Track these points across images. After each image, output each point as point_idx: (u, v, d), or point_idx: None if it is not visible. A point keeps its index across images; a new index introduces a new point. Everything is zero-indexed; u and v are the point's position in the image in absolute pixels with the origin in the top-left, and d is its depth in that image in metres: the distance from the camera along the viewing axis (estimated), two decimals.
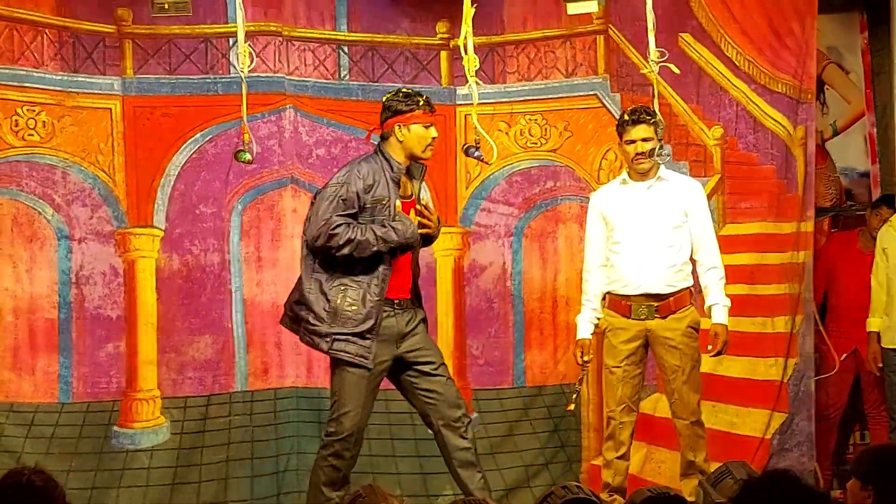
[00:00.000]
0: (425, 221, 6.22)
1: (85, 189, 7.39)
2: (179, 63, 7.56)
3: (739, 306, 7.58)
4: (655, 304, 6.53)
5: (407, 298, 6.25)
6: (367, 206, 6.08)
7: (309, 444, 7.44)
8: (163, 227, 7.47)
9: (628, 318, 6.57)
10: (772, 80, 7.87)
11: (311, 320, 6.12)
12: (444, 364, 6.32)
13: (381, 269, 6.09)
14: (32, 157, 7.33)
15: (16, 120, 7.28)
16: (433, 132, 6.18)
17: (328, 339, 6.09)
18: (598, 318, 6.70)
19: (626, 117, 6.57)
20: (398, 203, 6.12)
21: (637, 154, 6.54)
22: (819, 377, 8.06)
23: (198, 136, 7.54)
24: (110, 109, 7.45)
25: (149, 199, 7.46)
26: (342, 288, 6.07)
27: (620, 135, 6.60)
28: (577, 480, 7.07)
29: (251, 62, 6.58)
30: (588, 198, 7.57)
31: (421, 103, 6.15)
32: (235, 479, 7.42)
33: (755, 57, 7.87)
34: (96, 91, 7.44)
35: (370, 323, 6.06)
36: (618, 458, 6.62)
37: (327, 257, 6.08)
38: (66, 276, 7.34)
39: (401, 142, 6.17)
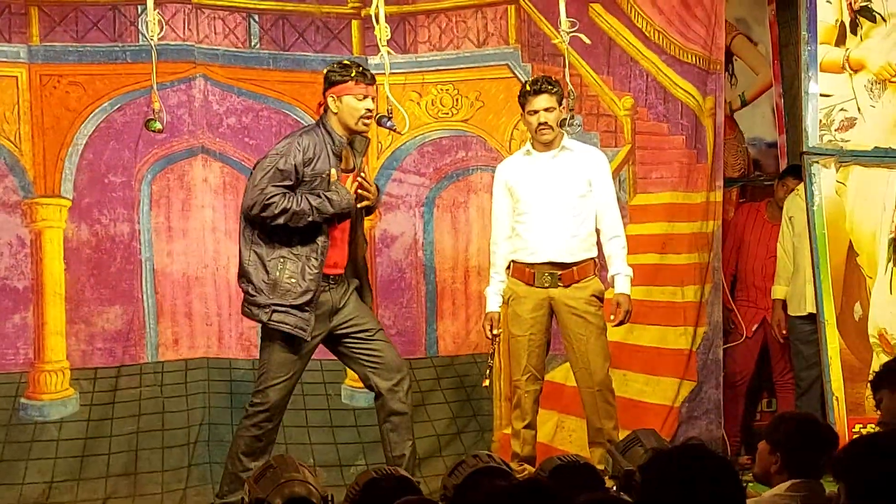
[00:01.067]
0: (364, 193, 6.22)
1: None
2: (87, 30, 7.44)
3: (650, 275, 7.68)
4: (559, 272, 6.58)
5: (341, 274, 6.26)
6: (307, 178, 6.09)
7: (220, 415, 7.44)
8: (70, 197, 7.36)
9: (531, 286, 6.61)
10: (681, 50, 7.91)
11: (251, 291, 6.15)
12: (380, 329, 6.38)
13: (319, 241, 6.10)
14: None
15: None
16: (368, 104, 6.17)
17: (267, 311, 6.11)
18: (503, 292, 6.73)
19: (528, 88, 6.60)
20: (334, 172, 6.10)
21: (540, 124, 6.57)
22: (728, 346, 8.15)
23: (106, 104, 7.43)
24: (16, 77, 7.32)
25: (56, 168, 7.34)
26: (282, 260, 6.08)
27: (523, 105, 6.63)
28: (488, 450, 7.09)
29: (160, 30, 6.52)
30: None
31: (353, 74, 6.14)
32: (146, 450, 7.35)
33: (665, 27, 7.91)
34: (2, 59, 7.29)
35: (309, 295, 6.07)
36: (525, 427, 6.67)
37: (266, 229, 6.09)
38: None
39: (335, 114, 6.17)
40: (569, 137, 6.82)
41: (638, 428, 5.96)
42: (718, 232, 7.94)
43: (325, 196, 6.04)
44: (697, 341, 7.90)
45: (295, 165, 6.09)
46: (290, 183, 6.08)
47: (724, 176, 8.10)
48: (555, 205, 6.59)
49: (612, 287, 6.72)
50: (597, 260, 6.71)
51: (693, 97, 7.91)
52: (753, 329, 8.28)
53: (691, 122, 7.91)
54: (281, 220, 6.04)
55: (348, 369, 7.05)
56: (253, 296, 6.15)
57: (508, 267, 6.71)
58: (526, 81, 6.73)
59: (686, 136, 7.91)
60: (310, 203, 6.03)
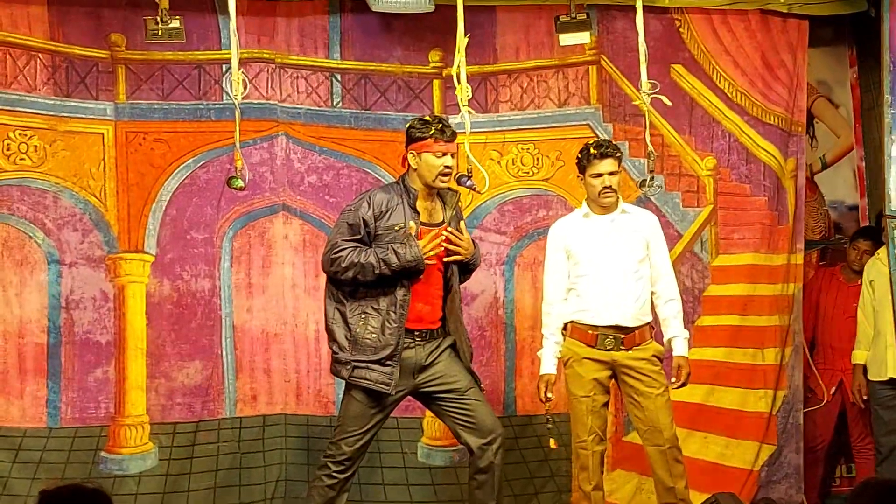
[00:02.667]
0: (452, 248, 6.22)
1: (76, 214, 7.35)
2: (172, 89, 7.55)
3: (731, 337, 7.64)
4: (622, 335, 6.53)
5: (433, 329, 6.26)
6: (380, 232, 6.11)
7: (297, 472, 7.45)
8: (153, 253, 7.44)
9: (593, 347, 6.56)
10: (764, 111, 7.92)
11: (335, 349, 6.19)
12: (473, 387, 6.30)
13: (399, 294, 6.11)
14: (24, 181, 7.28)
15: (7, 144, 7.24)
16: (447, 161, 6.19)
17: (349, 367, 6.13)
18: (561, 353, 6.69)
19: (594, 151, 6.57)
20: (412, 224, 6.12)
21: (605, 188, 6.56)
22: (807, 409, 8.06)
23: (189, 161, 7.52)
24: (102, 134, 7.43)
25: (140, 224, 7.43)
26: (363, 316, 6.11)
27: (584, 168, 6.60)
28: None
29: (245, 89, 6.56)
30: None
31: (433, 131, 6.16)
32: None
33: (747, 89, 7.93)
34: (89, 116, 7.40)
35: (389, 349, 6.08)
36: (594, 489, 6.59)
37: (348, 286, 6.12)
38: (56, 300, 7.29)
39: (415, 169, 6.21)
40: (648, 198, 6.79)
41: (717, 491, 5.91)
42: (799, 294, 7.90)
43: (392, 248, 6.06)
44: (777, 405, 7.85)
45: (364, 219, 6.13)
46: (360, 236, 6.13)
47: (805, 238, 8.05)
48: (616, 268, 6.56)
49: (672, 350, 6.66)
50: (652, 324, 6.65)
51: (775, 158, 7.90)
52: (832, 392, 8.18)
53: (773, 184, 7.90)
54: (350, 274, 6.07)
55: (425, 427, 7.06)
56: (336, 353, 6.19)
57: (564, 328, 6.67)
58: (589, 144, 6.68)
59: (768, 198, 7.90)
60: (376, 255, 6.05)
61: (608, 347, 6.52)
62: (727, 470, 7.69)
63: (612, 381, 6.60)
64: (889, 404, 7.72)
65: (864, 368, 7.95)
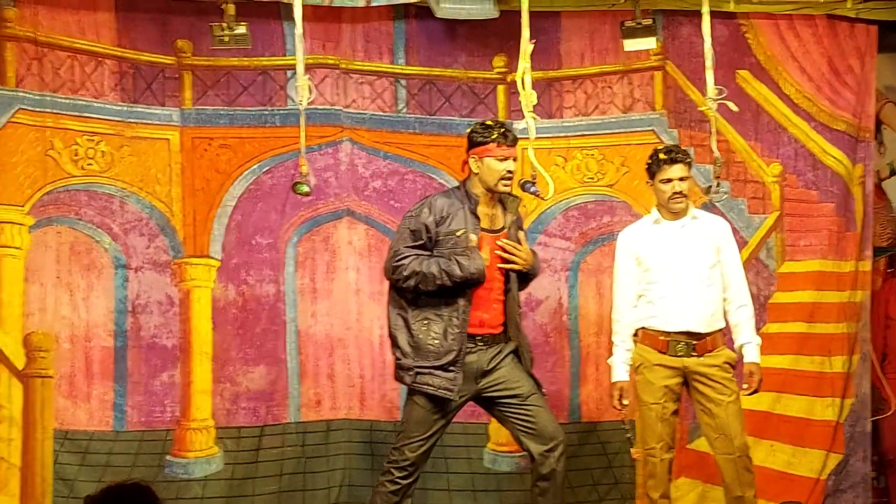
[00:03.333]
0: (509, 257, 6.21)
1: (142, 218, 7.42)
2: (238, 95, 7.60)
3: (798, 344, 7.58)
4: (694, 342, 6.48)
5: (494, 334, 6.24)
6: (441, 238, 6.11)
7: (360, 477, 7.47)
8: (219, 258, 7.49)
9: (665, 353, 6.51)
10: (831, 118, 7.85)
11: (398, 355, 6.20)
12: (535, 393, 6.27)
13: (461, 302, 6.10)
14: (91, 186, 7.35)
15: (76, 149, 7.30)
16: (510, 165, 6.17)
17: (412, 373, 6.14)
18: (632, 359, 6.65)
19: (663, 156, 6.52)
20: (473, 238, 6.11)
21: (675, 193, 6.52)
22: (876, 418, 7.98)
23: (255, 167, 7.57)
24: (168, 140, 7.48)
25: (205, 229, 7.48)
26: (426, 322, 6.11)
27: (654, 174, 6.56)
28: None
29: (310, 94, 6.58)
30: None
31: (495, 136, 6.15)
32: None
33: (814, 95, 7.86)
34: (155, 122, 7.46)
35: (452, 355, 6.08)
36: (661, 496, 6.55)
37: (413, 293, 6.13)
38: (123, 304, 7.36)
39: (476, 174, 6.20)
40: (713, 204, 6.74)
41: (784, 500, 5.87)
42: (867, 302, 7.83)
43: (456, 260, 6.05)
44: (845, 413, 7.78)
45: (426, 225, 6.14)
46: (422, 242, 6.14)
47: (873, 245, 7.97)
48: (688, 274, 6.52)
49: (743, 357, 6.61)
50: (725, 331, 6.60)
51: (843, 164, 7.83)
52: None
53: (841, 190, 7.83)
54: (412, 283, 6.09)
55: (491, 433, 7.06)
56: (399, 359, 6.20)
57: (635, 334, 6.64)
58: (658, 150, 6.64)
59: (836, 204, 7.83)
60: (439, 265, 6.05)
61: (680, 354, 6.48)
62: (794, 478, 7.62)
63: (683, 388, 6.56)
64: None
65: None
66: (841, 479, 7.77)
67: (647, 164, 6.62)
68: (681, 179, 6.50)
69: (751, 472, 6.51)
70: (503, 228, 6.26)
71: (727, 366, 6.51)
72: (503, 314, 6.27)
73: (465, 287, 6.10)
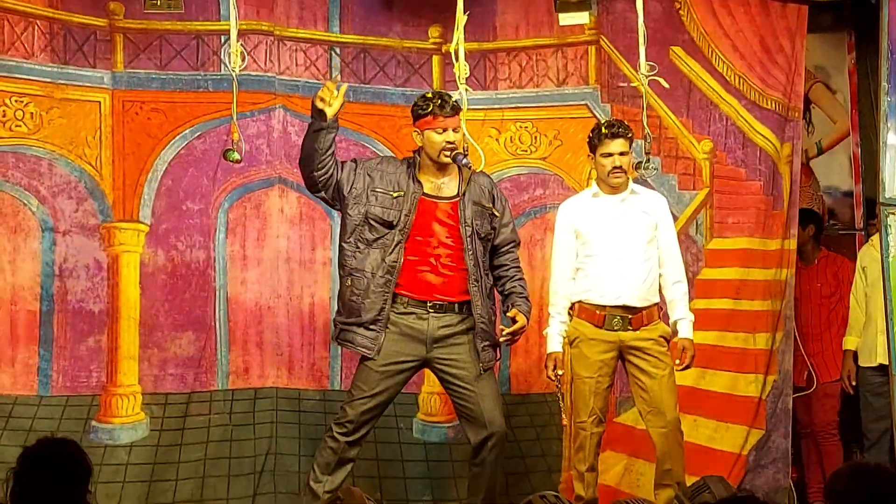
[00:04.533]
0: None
1: (71, 182, 7.34)
2: (170, 59, 7.53)
3: (724, 321, 7.65)
4: (630, 316, 6.53)
5: (448, 302, 6.21)
6: (377, 195, 6.14)
7: (287, 446, 7.45)
8: (148, 223, 7.43)
9: (601, 328, 6.56)
10: (761, 96, 7.92)
11: (335, 315, 6.27)
12: (482, 380, 6.24)
13: (388, 259, 6.10)
14: (19, 148, 7.26)
15: (3, 111, 7.22)
16: (449, 136, 6.16)
17: (337, 329, 6.20)
18: (567, 332, 6.69)
19: (605, 130, 6.55)
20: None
21: (614, 168, 6.54)
22: (797, 395, 8.08)
23: (186, 132, 7.51)
24: (99, 103, 7.41)
25: (135, 193, 7.41)
26: (351, 279, 6.13)
27: (594, 147, 6.59)
28: (556, 490, 7.02)
29: (243, 61, 6.54)
30: None
31: (431, 108, 6.14)
32: (212, 477, 7.36)
33: (746, 73, 7.92)
34: (86, 84, 7.38)
35: (372, 314, 6.08)
36: (587, 469, 6.59)
37: (350, 254, 6.14)
38: (50, 268, 7.28)
39: (421, 147, 6.21)
40: (644, 180, 6.79)
41: (705, 475, 5.93)
42: (791, 280, 7.91)
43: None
44: (767, 389, 7.86)
45: (354, 164, 6.24)
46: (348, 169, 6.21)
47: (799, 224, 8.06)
48: (625, 248, 6.56)
49: (677, 332, 6.67)
50: (660, 304, 6.67)
51: (771, 143, 7.90)
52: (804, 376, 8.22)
53: (769, 169, 7.90)
54: (303, 156, 6.17)
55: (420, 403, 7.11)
56: (335, 318, 6.26)
57: (571, 308, 6.68)
58: (601, 123, 6.69)
59: (763, 182, 7.90)
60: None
61: (616, 328, 6.52)
62: (716, 453, 7.70)
63: (617, 362, 6.61)
64: (878, 391, 7.75)
65: (855, 354, 7.99)
66: (762, 455, 7.84)
67: (589, 137, 6.64)
68: (621, 154, 6.53)
69: (681, 447, 6.59)
70: (455, 197, 6.24)
71: (662, 339, 6.57)
72: (464, 284, 6.22)
73: (395, 239, 6.09)
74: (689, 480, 6.51)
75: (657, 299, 6.64)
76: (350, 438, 6.21)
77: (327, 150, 6.10)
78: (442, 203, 6.21)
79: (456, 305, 6.22)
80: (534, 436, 7.70)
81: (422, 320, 6.16)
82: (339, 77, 6.28)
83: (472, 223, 6.20)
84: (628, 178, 6.64)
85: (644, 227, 6.61)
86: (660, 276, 6.65)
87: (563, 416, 6.81)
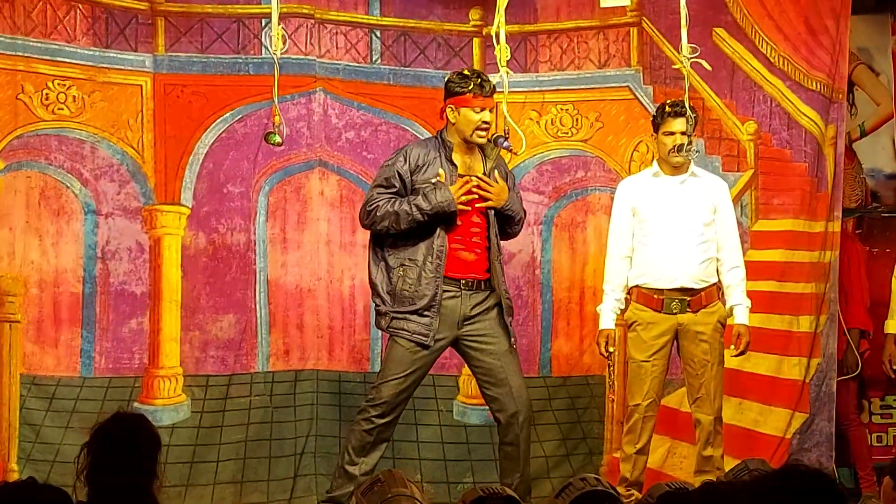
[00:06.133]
0: (483, 193, 6.21)
1: (113, 165, 7.36)
2: (211, 42, 7.54)
3: (768, 303, 7.60)
4: (688, 298, 6.51)
5: (478, 280, 6.25)
6: (417, 186, 6.13)
7: (327, 427, 7.47)
8: (190, 205, 7.44)
9: (659, 312, 6.54)
10: (806, 77, 7.85)
11: (377, 302, 6.26)
12: (509, 355, 6.28)
13: (436, 245, 6.12)
14: (62, 130, 7.28)
15: (46, 94, 7.23)
16: (485, 116, 6.19)
17: (387, 318, 6.18)
18: (621, 309, 6.67)
19: (669, 109, 6.57)
20: (442, 173, 6.15)
21: (676, 146, 6.52)
22: (841, 378, 8.02)
23: (227, 115, 7.52)
24: (141, 86, 7.42)
25: (177, 176, 7.43)
26: (402, 268, 6.16)
27: (657, 126, 6.59)
28: (597, 473, 7.04)
29: (284, 45, 6.54)
30: None
31: (471, 86, 6.15)
32: (253, 459, 7.40)
33: (790, 54, 7.85)
34: (127, 67, 7.40)
35: (426, 300, 6.11)
36: (637, 452, 6.60)
37: (388, 241, 6.17)
38: (92, 250, 7.30)
39: (453, 124, 6.20)
40: (693, 164, 6.76)
41: (749, 458, 5.89)
42: (836, 262, 7.85)
43: (423, 193, 6.09)
44: (811, 373, 7.81)
45: (399, 173, 6.18)
46: (396, 189, 6.17)
47: (843, 206, 7.99)
48: (683, 230, 6.55)
49: (732, 317, 6.64)
50: (718, 284, 6.63)
51: (816, 125, 7.83)
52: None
53: (814, 150, 7.84)
54: (385, 224, 6.13)
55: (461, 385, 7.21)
56: (378, 306, 6.25)
57: (629, 292, 6.65)
58: (665, 102, 6.70)
59: (808, 164, 7.84)
60: (409, 202, 6.09)
61: (675, 311, 6.52)
62: (759, 436, 7.66)
63: (673, 345, 6.59)
64: None
65: None
66: (805, 439, 7.80)
67: (653, 116, 6.68)
68: (683, 133, 6.51)
69: (720, 434, 6.60)
70: (484, 174, 6.25)
71: (719, 325, 6.57)
72: (487, 260, 6.27)
73: (439, 224, 6.12)
74: (734, 463, 6.49)
75: (715, 279, 6.62)
76: (386, 420, 6.24)
77: None
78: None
79: (483, 283, 6.26)
80: (574, 418, 7.69)
81: (455, 299, 6.19)
82: None
83: None
84: (689, 160, 6.61)
85: (702, 209, 6.60)
86: (717, 260, 6.61)
87: (609, 394, 6.79)
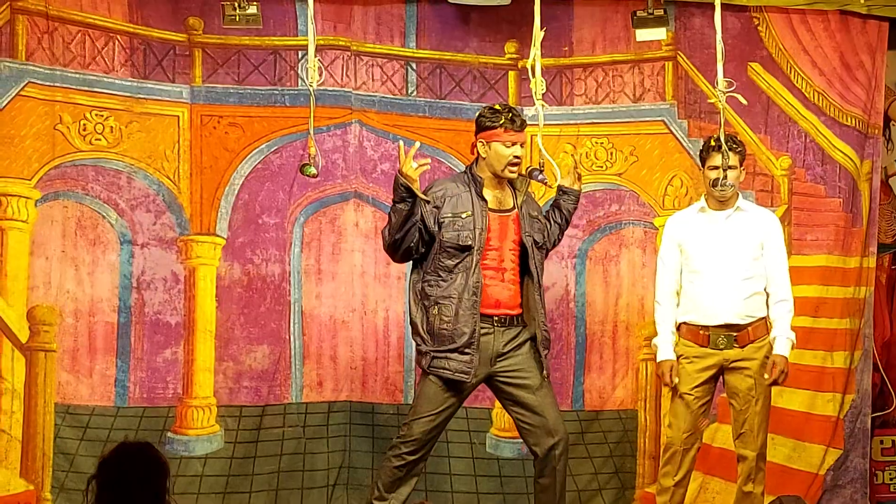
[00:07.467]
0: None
1: (149, 195, 7.41)
2: (248, 74, 7.59)
3: (803, 339, 7.51)
4: (734, 333, 6.47)
5: (511, 315, 6.20)
6: (445, 220, 6.08)
7: (360, 459, 7.49)
8: (225, 236, 7.49)
9: (706, 347, 6.51)
10: (841, 112, 7.85)
11: (417, 341, 6.18)
12: (543, 388, 6.21)
13: (471, 281, 6.06)
14: (99, 161, 7.34)
15: (84, 124, 7.29)
16: (516, 150, 6.14)
17: (428, 357, 6.11)
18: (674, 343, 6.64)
19: (713, 143, 6.52)
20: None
21: (711, 180, 6.50)
22: (875, 414, 7.99)
23: (263, 146, 7.56)
24: (178, 117, 7.48)
25: (212, 207, 7.47)
26: (437, 306, 6.08)
27: (704, 160, 6.57)
28: None
29: (320, 76, 6.56)
30: (652, 223, 7.64)
31: (502, 121, 6.11)
32: (285, 490, 7.43)
33: (825, 89, 7.85)
34: (164, 98, 7.46)
35: (465, 337, 6.05)
36: (675, 484, 6.55)
37: (428, 280, 6.13)
38: (128, 280, 7.35)
39: (483, 158, 6.18)
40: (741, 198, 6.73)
41: (783, 494, 5.87)
42: (870, 298, 7.84)
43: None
44: (845, 409, 7.78)
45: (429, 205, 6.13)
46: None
47: (878, 242, 7.97)
48: (728, 266, 6.50)
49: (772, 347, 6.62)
50: (767, 318, 6.57)
51: (851, 160, 7.82)
52: None
53: (848, 186, 7.83)
54: (389, 233, 6.09)
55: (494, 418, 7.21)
56: (419, 345, 6.18)
57: (677, 328, 6.62)
58: (712, 137, 6.66)
59: (843, 199, 7.84)
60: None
61: (721, 346, 6.48)
62: (793, 473, 7.64)
63: (718, 381, 6.57)
64: None
65: None
66: (839, 475, 7.78)
67: (700, 151, 6.65)
68: (729, 168, 6.49)
69: (762, 471, 6.54)
70: (513, 209, 6.24)
71: (766, 361, 6.49)
72: (520, 295, 6.23)
73: (462, 252, 6.06)
74: (768, 500, 6.47)
75: (763, 314, 6.55)
76: (417, 456, 6.19)
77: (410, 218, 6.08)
78: (503, 216, 6.21)
79: (516, 318, 6.21)
80: (607, 452, 7.67)
81: (489, 335, 6.13)
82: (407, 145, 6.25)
83: (531, 233, 6.21)
84: (737, 194, 6.59)
85: (748, 244, 6.55)
86: (766, 294, 6.58)
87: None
